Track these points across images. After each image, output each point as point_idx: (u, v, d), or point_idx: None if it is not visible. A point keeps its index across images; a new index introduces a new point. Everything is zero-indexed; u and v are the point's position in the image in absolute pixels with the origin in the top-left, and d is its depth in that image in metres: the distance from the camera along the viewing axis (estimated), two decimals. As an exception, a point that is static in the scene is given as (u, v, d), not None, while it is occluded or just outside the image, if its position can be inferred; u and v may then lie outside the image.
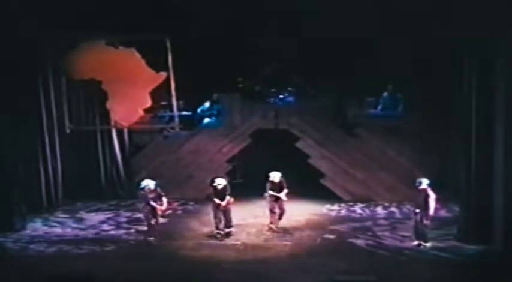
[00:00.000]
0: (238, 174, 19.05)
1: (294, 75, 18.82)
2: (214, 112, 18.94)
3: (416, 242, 13.37)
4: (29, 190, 16.19)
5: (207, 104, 19.02)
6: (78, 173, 18.04)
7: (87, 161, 18.34)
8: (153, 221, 14.08)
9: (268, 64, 18.65)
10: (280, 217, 14.98)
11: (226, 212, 14.47)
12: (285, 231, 14.84)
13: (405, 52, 16.39)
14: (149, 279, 11.94)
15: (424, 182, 13.23)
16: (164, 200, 14.15)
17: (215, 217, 14.43)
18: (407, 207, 15.96)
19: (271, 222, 14.91)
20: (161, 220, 15.17)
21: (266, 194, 14.85)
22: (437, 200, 13.35)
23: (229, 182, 15.12)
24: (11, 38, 15.00)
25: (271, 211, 14.86)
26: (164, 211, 14.48)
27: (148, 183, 14.10)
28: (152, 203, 13.97)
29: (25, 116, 16.24)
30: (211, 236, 14.41)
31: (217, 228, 14.39)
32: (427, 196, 13.07)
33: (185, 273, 12.20)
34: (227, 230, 14.47)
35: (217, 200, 14.33)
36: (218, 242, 14.11)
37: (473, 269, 11.96)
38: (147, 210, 14.04)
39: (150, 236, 14.13)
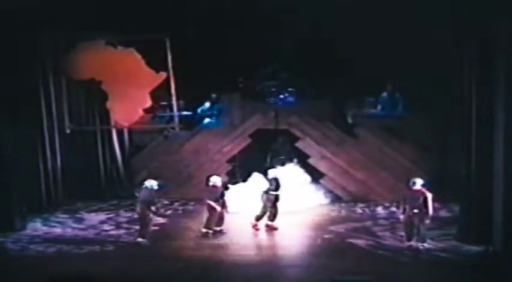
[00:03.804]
0: (238, 174, 19.05)
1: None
2: (215, 112, 18.97)
3: (408, 243, 13.35)
4: (29, 190, 16.16)
5: (207, 104, 19.06)
6: (78, 173, 18.05)
7: (87, 161, 18.36)
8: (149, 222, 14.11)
9: (268, 64, 18.63)
10: (274, 217, 15.04)
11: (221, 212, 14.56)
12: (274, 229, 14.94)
13: (405, 52, 16.39)
14: (149, 279, 11.92)
15: (418, 182, 13.21)
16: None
17: (210, 215, 14.51)
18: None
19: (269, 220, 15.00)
20: (161, 220, 15.24)
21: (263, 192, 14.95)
22: (434, 199, 13.37)
23: (225, 184, 15.14)
24: (11, 37, 15.00)
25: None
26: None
27: (152, 184, 14.11)
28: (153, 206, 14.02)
29: (25, 115, 16.24)
30: (212, 235, 14.41)
31: (207, 226, 14.46)
32: (425, 196, 13.06)
33: (185, 273, 12.20)
34: (217, 228, 14.52)
35: (212, 203, 14.41)
36: (218, 242, 14.11)
37: (473, 269, 11.95)
38: (145, 209, 14.00)
39: (143, 237, 14.02)
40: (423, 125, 17.64)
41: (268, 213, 14.98)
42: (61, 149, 17.52)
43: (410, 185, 13.24)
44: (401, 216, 13.45)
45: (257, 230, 14.94)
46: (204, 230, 14.43)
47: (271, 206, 14.91)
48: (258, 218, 15.00)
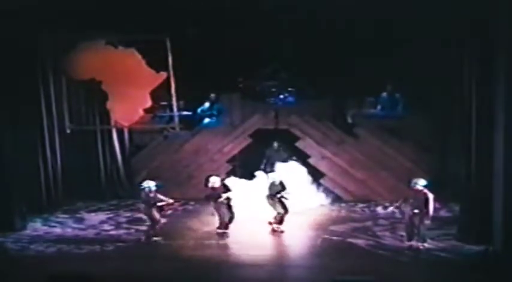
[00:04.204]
0: (238, 174, 19.03)
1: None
2: (214, 112, 18.98)
3: (409, 243, 13.35)
4: (29, 190, 16.16)
5: (207, 104, 19.06)
6: (78, 173, 18.05)
7: (87, 161, 18.36)
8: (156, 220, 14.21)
9: (268, 64, 18.63)
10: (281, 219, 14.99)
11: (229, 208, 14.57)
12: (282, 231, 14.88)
13: (405, 52, 16.39)
14: (149, 279, 11.93)
15: (420, 183, 13.22)
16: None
17: (219, 215, 14.55)
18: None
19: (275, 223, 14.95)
20: (161, 220, 15.24)
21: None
22: (435, 200, 13.38)
23: (223, 180, 15.15)
24: (11, 37, 15.00)
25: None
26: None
27: (150, 185, 14.15)
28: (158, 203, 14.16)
29: (25, 115, 16.24)
30: (212, 235, 14.42)
31: (220, 224, 14.52)
32: (426, 197, 13.07)
33: (185, 273, 12.20)
34: (222, 231, 14.54)
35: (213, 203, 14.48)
36: (218, 242, 14.11)
37: (473, 269, 11.95)
38: (148, 209, 14.08)
39: (156, 235, 14.16)
40: (423, 125, 17.64)
41: (275, 215, 14.92)
42: (61, 149, 17.52)
43: (412, 185, 13.24)
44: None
45: (280, 231, 14.83)
46: (220, 231, 14.51)
47: (281, 207, 14.85)
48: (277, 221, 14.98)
